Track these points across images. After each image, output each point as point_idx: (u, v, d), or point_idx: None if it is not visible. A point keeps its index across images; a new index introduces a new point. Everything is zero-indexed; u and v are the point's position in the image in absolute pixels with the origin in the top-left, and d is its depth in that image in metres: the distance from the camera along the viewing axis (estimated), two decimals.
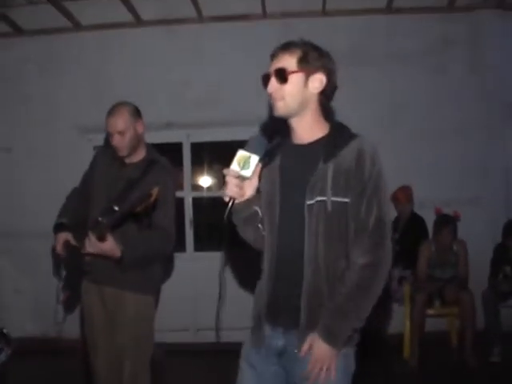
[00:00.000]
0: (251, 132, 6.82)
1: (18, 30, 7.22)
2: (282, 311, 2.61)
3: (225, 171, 2.55)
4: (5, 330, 3.63)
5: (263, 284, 2.67)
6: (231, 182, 2.55)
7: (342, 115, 6.80)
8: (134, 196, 3.46)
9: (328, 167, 2.51)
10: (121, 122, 3.74)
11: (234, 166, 2.54)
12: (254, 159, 2.53)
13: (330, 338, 2.48)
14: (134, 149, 3.82)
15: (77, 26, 7.17)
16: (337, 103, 6.90)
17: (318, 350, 2.49)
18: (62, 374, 6.01)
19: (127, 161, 3.87)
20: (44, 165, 7.16)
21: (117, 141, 3.76)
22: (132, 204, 3.21)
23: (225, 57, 7.08)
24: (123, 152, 3.81)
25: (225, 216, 2.53)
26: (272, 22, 7.09)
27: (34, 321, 7.05)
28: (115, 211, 3.34)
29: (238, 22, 7.12)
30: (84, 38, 7.27)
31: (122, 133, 3.74)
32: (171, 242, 3.76)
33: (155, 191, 3.14)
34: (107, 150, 3.96)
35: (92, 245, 3.40)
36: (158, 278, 3.98)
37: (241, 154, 2.54)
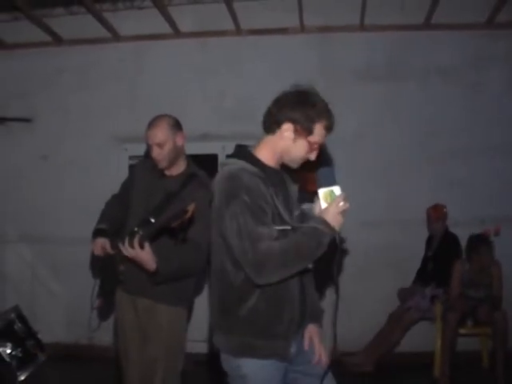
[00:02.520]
0: None
1: (57, 40, 7.31)
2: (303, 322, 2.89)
3: None
4: (39, 336, 3.66)
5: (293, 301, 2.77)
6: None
7: (379, 130, 6.88)
8: (171, 210, 3.48)
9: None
10: (160, 134, 3.76)
11: (323, 204, 2.63)
12: (337, 190, 2.65)
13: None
14: (173, 161, 3.84)
15: (115, 37, 7.25)
16: (373, 118, 6.95)
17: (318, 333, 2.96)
18: (92, 381, 6.04)
19: (167, 173, 3.89)
20: (80, 173, 7.22)
21: (156, 153, 3.78)
22: (168, 219, 3.23)
23: (261, 70, 7.09)
24: (162, 164, 3.83)
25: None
26: (309, 36, 7.11)
27: (68, 327, 7.11)
28: (152, 223, 3.37)
29: (275, 35, 7.12)
30: (122, 49, 7.35)
31: (160, 145, 3.75)
32: (204, 258, 3.75)
33: (191, 207, 3.15)
34: (147, 161, 4.00)
35: (130, 248, 3.39)
36: (190, 291, 3.97)
37: (323, 192, 2.65)
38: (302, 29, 7.08)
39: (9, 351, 3.34)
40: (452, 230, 6.67)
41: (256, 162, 2.79)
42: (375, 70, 6.98)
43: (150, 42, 7.30)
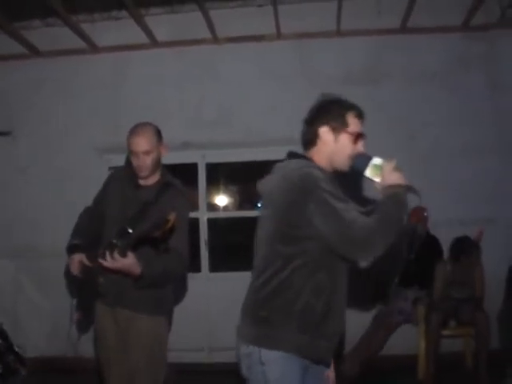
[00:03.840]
0: (265, 152, 6.88)
1: (35, 52, 7.32)
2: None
3: None
4: (19, 350, 3.64)
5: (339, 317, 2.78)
6: None
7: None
8: (149, 219, 3.45)
9: None
10: (146, 142, 3.73)
11: (377, 179, 2.74)
12: (376, 160, 2.76)
13: None
14: (154, 170, 3.82)
15: (93, 48, 7.27)
16: None
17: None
18: None
19: (142, 183, 3.87)
20: (60, 184, 7.22)
21: (141, 161, 3.75)
22: (149, 229, 3.21)
23: (240, 77, 7.13)
24: (144, 172, 3.80)
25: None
26: (287, 42, 7.15)
27: (52, 340, 7.08)
28: (129, 233, 3.35)
29: (252, 42, 7.16)
30: (100, 59, 7.37)
31: (147, 153, 3.73)
32: (185, 265, 3.76)
33: (172, 217, 3.13)
34: (122, 171, 3.98)
35: (113, 260, 3.34)
36: (169, 300, 3.96)
37: (369, 172, 2.76)
38: (279, 35, 7.13)
39: None
40: (433, 231, 6.70)
41: (314, 162, 2.84)
42: (354, 74, 7.02)
43: (128, 53, 7.33)
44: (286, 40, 7.16)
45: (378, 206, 2.64)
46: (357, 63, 7.05)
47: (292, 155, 2.91)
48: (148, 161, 3.75)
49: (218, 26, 6.99)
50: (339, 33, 7.06)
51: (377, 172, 2.72)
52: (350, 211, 2.60)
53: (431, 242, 6.64)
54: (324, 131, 2.82)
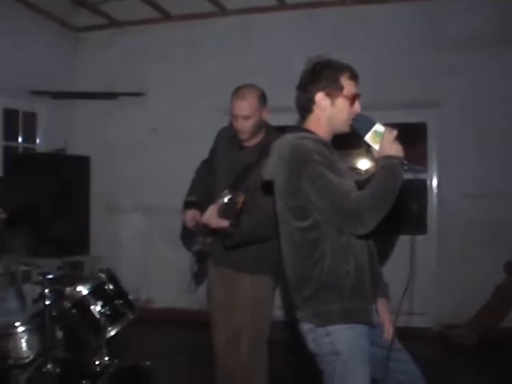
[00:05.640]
0: (394, 115, 6.67)
1: (166, 16, 7.57)
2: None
3: None
4: (130, 297, 3.86)
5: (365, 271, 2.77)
6: None
7: (486, 100, 6.65)
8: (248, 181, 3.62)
9: None
10: (247, 106, 3.74)
11: (376, 146, 2.69)
12: (379, 127, 2.69)
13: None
14: (255, 133, 3.85)
15: (222, 10, 7.41)
16: (480, 87, 6.69)
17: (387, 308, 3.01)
18: (198, 345, 6.25)
19: (246, 144, 3.91)
20: (188, 145, 7.39)
21: (240, 124, 3.79)
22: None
23: (370, 42, 7.03)
24: (243, 136, 3.85)
25: None
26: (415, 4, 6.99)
27: (178, 293, 7.37)
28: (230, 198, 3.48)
29: (377, 4, 7.04)
30: (228, 22, 7.49)
31: (246, 117, 3.75)
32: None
33: (241, 199, 3.33)
34: (229, 129, 4.02)
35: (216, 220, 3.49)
36: (271, 259, 3.83)
37: (369, 137, 2.70)
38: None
39: (99, 309, 3.56)
40: None
41: (312, 133, 2.84)
42: (483, 37, 6.76)
43: (255, 15, 7.40)
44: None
45: (372, 177, 2.60)
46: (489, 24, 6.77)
47: (288, 129, 2.91)
48: (247, 125, 3.78)
49: None
50: None
51: (377, 139, 2.67)
52: (344, 184, 2.60)
53: None
54: (320, 98, 2.80)
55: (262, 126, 3.87)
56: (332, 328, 2.68)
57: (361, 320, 2.71)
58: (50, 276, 3.31)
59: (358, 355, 2.71)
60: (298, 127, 2.92)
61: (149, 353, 4.36)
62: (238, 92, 3.82)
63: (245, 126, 3.79)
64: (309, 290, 2.72)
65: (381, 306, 2.97)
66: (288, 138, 2.81)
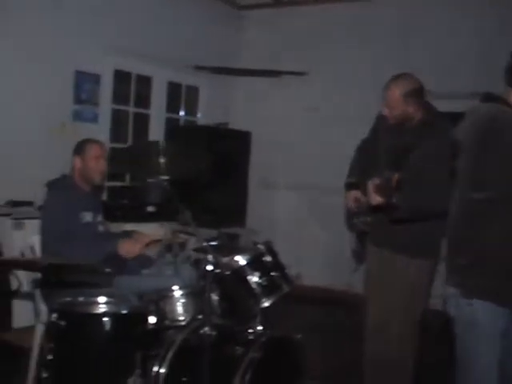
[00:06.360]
0: None
1: None
2: None
3: None
4: (287, 271, 3.92)
5: None
6: None
7: None
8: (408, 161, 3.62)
9: None
10: (389, 99, 3.80)
11: None
12: None
13: None
14: (403, 120, 3.83)
15: None
16: None
17: None
18: (338, 326, 6.34)
19: (406, 125, 3.86)
20: (347, 125, 7.37)
21: (385, 112, 3.87)
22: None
23: None
24: (392, 121, 3.87)
25: None
26: None
27: (329, 272, 7.49)
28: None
29: None
30: (387, 4, 7.38)
31: (388, 106, 3.82)
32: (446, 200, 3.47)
33: (395, 178, 3.36)
34: None
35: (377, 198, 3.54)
36: (431, 241, 3.86)
37: None
38: None
39: (255, 279, 3.63)
40: None
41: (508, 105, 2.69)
42: None
43: None
44: None
45: None
46: None
47: (485, 98, 2.75)
48: (390, 114, 3.83)
49: None
50: None
51: None
52: None
53: None
54: None
55: (410, 115, 3.81)
56: (475, 301, 2.65)
57: (507, 302, 2.65)
58: (214, 243, 3.42)
59: (494, 336, 2.68)
60: (496, 97, 2.75)
61: (297, 327, 4.43)
62: (390, 80, 3.85)
63: (387, 114, 3.86)
64: (465, 259, 2.69)
65: None
66: (484, 107, 2.73)
